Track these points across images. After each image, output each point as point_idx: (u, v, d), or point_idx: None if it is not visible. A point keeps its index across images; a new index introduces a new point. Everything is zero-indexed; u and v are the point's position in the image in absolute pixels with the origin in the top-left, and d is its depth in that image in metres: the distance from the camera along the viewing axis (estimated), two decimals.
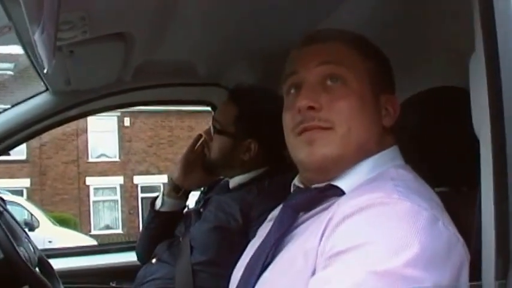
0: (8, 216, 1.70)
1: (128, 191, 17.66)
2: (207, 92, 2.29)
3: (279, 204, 1.18)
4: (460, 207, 0.90)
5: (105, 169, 17.42)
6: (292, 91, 1.04)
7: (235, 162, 1.71)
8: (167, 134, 17.59)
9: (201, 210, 1.75)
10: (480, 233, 0.79)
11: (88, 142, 17.28)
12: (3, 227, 1.49)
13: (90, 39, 1.50)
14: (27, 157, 16.32)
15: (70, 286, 2.11)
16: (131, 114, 16.71)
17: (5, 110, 2.07)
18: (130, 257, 2.21)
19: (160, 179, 16.66)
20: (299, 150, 1.01)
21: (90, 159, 17.41)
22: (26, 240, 1.70)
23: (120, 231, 16.98)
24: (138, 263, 1.93)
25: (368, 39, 1.08)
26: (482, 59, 0.78)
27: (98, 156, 17.58)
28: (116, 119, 17.08)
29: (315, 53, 1.03)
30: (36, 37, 0.90)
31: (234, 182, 1.73)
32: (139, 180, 17.62)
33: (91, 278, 2.26)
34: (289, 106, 1.04)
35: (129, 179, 17.65)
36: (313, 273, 0.86)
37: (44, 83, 1.96)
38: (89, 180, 17.37)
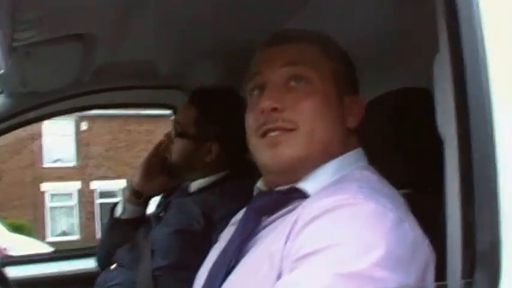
0: None
1: (85, 197, 17.34)
2: (169, 94, 2.27)
3: (241, 208, 1.17)
4: (425, 208, 0.90)
5: (61, 174, 17.06)
6: (256, 92, 1.03)
7: (197, 165, 1.69)
8: (125, 138, 17.35)
9: (162, 214, 1.72)
10: (445, 233, 0.80)
11: (43, 147, 16.89)
12: None
13: (47, 39, 1.46)
14: None
15: None
16: (89, 118, 16.40)
17: None
18: (89, 264, 2.18)
19: (118, 184, 16.41)
20: (262, 152, 1.00)
21: (46, 164, 17.03)
22: None
23: (77, 237, 16.63)
24: (97, 269, 1.89)
25: (332, 40, 1.08)
26: (446, 59, 0.78)
27: (54, 161, 17.20)
28: (73, 123, 16.76)
29: (279, 53, 1.02)
30: None
31: (195, 185, 1.71)
32: (97, 185, 17.32)
33: (48, 285, 2.20)
34: (252, 107, 1.03)
35: (86, 184, 17.34)
36: (279, 276, 0.85)
37: None
38: (45, 186, 16.98)
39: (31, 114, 2.09)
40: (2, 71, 1.00)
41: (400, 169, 0.98)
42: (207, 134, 1.67)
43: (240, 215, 1.13)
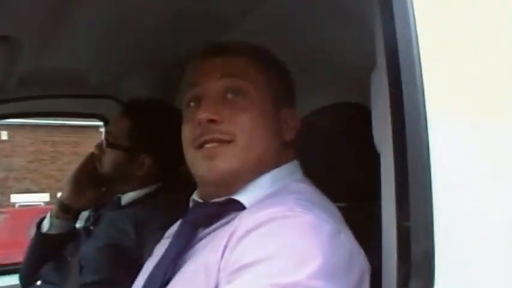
0: None
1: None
2: (100, 104, 2.22)
3: (174, 221, 1.16)
4: (360, 220, 0.92)
5: None
6: (192, 104, 1.03)
7: (128, 177, 1.66)
8: (50, 149, 16.76)
9: (91, 227, 1.68)
10: (381, 244, 0.82)
11: None
12: None
13: None
14: None
15: None
16: (9, 128, 15.75)
17: None
18: (9, 281, 2.10)
19: (41, 198, 15.80)
20: (199, 164, 0.99)
21: None
22: None
23: None
24: (18, 286, 1.80)
25: (271, 53, 1.08)
26: (383, 75, 0.80)
27: None
28: None
29: (216, 65, 1.03)
30: None
31: (126, 198, 1.68)
32: (18, 198, 16.61)
33: None
34: (189, 119, 1.02)
35: (5, 197, 16.59)
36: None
37: None
38: None
39: None
40: None
41: (336, 182, 0.99)
42: (140, 146, 1.65)
43: (174, 227, 1.11)
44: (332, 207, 0.94)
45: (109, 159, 1.66)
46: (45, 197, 15.49)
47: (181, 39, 1.56)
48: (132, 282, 1.11)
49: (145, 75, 1.92)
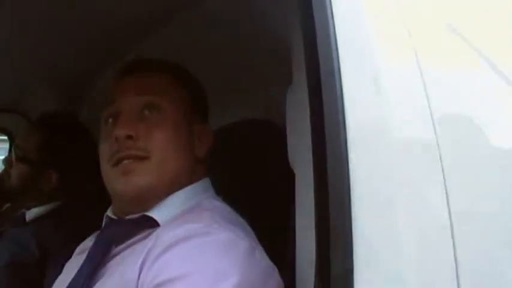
0: None
1: None
2: (4, 118, 2.15)
3: (80, 238, 1.14)
4: (272, 238, 0.91)
5: None
6: (110, 120, 1.02)
7: (34, 192, 1.62)
8: None
9: None
10: (294, 261, 0.81)
11: None
12: None
13: None
14: None
15: None
16: None
17: None
18: None
19: None
20: (114, 180, 0.98)
21: None
22: None
23: None
24: None
25: (184, 69, 1.09)
26: (300, 92, 0.80)
27: None
28: None
29: (132, 83, 1.03)
30: None
31: (31, 214, 1.62)
32: None
33: None
34: (106, 135, 1.02)
35: None
36: None
37: None
38: None
39: None
40: None
41: (247, 199, 0.98)
42: (47, 162, 1.62)
43: (86, 243, 1.10)
44: (245, 225, 0.95)
45: (16, 172, 1.63)
46: None
47: (85, 56, 1.53)
48: None
49: (50, 91, 1.87)
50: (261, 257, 0.86)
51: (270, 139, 1.08)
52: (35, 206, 1.62)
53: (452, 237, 0.77)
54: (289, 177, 0.89)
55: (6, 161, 1.67)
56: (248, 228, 0.94)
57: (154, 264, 0.83)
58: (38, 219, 1.60)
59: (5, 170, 1.66)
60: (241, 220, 0.95)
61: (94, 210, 1.47)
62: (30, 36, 1.42)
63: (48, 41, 1.47)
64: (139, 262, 0.86)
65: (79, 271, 0.97)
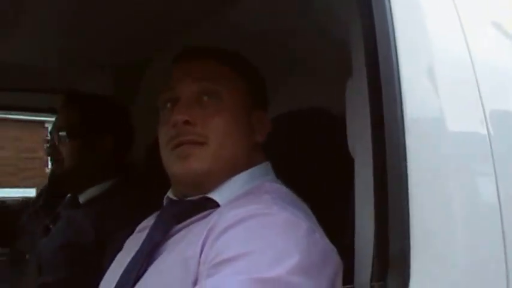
0: None
1: None
2: (57, 100, 2.16)
3: (138, 217, 1.18)
4: (329, 220, 0.95)
5: None
6: (169, 105, 1.05)
7: (89, 166, 1.63)
8: None
9: (50, 226, 1.64)
10: (353, 243, 0.85)
11: None
12: None
13: None
14: None
15: None
16: None
17: None
18: None
19: None
20: (173, 164, 1.01)
21: None
22: None
23: None
24: None
25: (243, 56, 1.11)
26: (359, 81, 0.84)
27: None
28: None
29: (191, 69, 1.05)
30: None
31: (85, 195, 1.65)
32: None
33: None
34: (164, 121, 1.04)
35: None
36: (195, 282, 0.85)
37: None
38: None
39: None
40: None
41: (306, 183, 1.02)
42: (96, 128, 1.64)
43: (146, 222, 1.13)
44: (305, 208, 0.97)
45: (68, 151, 1.63)
46: None
47: (138, 42, 1.57)
48: (91, 281, 1.11)
49: (105, 74, 1.91)
50: (320, 239, 0.88)
51: (325, 127, 1.12)
52: (89, 186, 1.64)
53: (502, 221, 0.81)
54: (347, 163, 0.93)
55: (51, 151, 1.68)
56: (308, 211, 0.96)
57: (216, 243, 0.86)
58: (92, 201, 1.63)
59: (54, 162, 1.67)
60: (301, 202, 0.98)
61: (145, 189, 1.54)
62: (86, 19, 1.45)
63: (105, 26, 1.49)
64: (201, 240, 0.88)
65: (140, 249, 1.01)
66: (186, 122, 0.99)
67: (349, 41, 0.90)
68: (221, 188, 1.00)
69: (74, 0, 1.32)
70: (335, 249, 0.88)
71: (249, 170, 1.03)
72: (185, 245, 0.92)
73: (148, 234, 1.03)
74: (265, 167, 1.06)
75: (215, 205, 0.98)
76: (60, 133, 1.64)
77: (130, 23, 1.46)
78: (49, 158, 1.69)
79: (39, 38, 1.61)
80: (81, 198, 1.65)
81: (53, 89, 2.11)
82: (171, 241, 0.98)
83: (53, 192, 1.75)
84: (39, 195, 1.87)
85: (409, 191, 0.74)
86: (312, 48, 1.29)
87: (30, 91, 2.12)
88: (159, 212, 1.10)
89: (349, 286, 0.83)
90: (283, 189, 1.01)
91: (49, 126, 2.18)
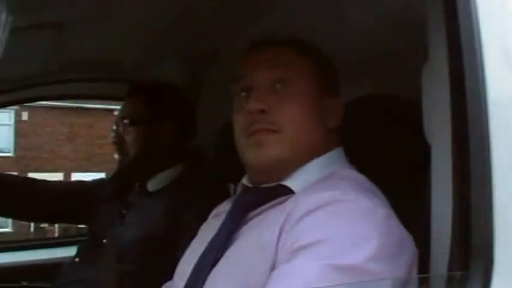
0: None
1: None
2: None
3: (208, 203, 1.20)
4: (405, 207, 0.94)
5: None
6: (243, 94, 1.06)
7: (156, 152, 1.64)
8: (66, 130, 16.82)
9: (124, 212, 1.66)
10: (428, 231, 0.84)
11: None
12: None
13: (14, 27, 1.41)
14: None
15: None
16: (29, 109, 15.82)
17: None
18: (41, 255, 2.15)
19: (55, 177, 15.86)
20: (248, 152, 1.02)
21: None
22: None
23: (9, 229, 16.01)
24: (49, 261, 1.90)
25: (314, 43, 1.11)
26: (436, 67, 0.82)
27: None
28: (13, 112, 16.10)
29: (264, 57, 1.06)
30: None
31: (154, 183, 1.66)
32: (34, 177, 16.68)
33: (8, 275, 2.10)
34: (239, 108, 1.05)
35: (23, 175, 16.67)
36: (272, 267, 0.87)
37: None
38: None
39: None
40: None
41: (380, 170, 1.01)
42: (160, 115, 1.65)
43: (221, 207, 1.15)
44: (381, 195, 0.96)
45: (133, 137, 1.65)
46: (59, 176, 15.55)
47: (210, 31, 1.58)
48: (167, 269, 1.14)
49: (174, 62, 1.94)
50: (397, 225, 0.87)
51: (399, 113, 1.10)
52: (157, 172, 1.65)
53: None
54: (422, 150, 0.91)
55: (116, 139, 1.68)
56: (384, 198, 0.95)
57: (294, 229, 0.87)
58: (163, 189, 1.64)
59: (120, 150, 1.68)
60: (376, 189, 0.97)
61: (215, 176, 1.56)
62: (164, 10, 1.48)
63: (180, 16, 1.51)
64: (278, 226, 0.89)
65: (216, 234, 1.03)
66: (261, 111, 1.00)
67: (425, 23, 0.88)
68: (296, 175, 1.00)
69: None
70: (411, 237, 0.88)
71: (323, 156, 1.03)
72: (261, 231, 0.93)
73: (224, 221, 1.05)
74: (338, 153, 1.06)
75: (290, 192, 0.98)
76: (125, 121, 1.66)
77: (200, 9, 1.48)
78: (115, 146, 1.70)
79: (117, 31, 1.66)
80: (150, 185, 1.66)
81: (122, 78, 2.16)
82: (247, 227, 1.00)
83: (122, 179, 1.79)
84: (110, 179, 1.93)
85: (493, 175, 0.72)
86: (388, 33, 1.26)
87: (103, 81, 2.18)
88: (233, 198, 1.12)
89: (424, 275, 0.82)
90: (358, 175, 1.00)
91: None
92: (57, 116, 16.54)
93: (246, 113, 1.01)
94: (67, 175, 15.61)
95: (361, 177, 1.00)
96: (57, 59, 1.84)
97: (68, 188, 2.02)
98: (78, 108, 15.95)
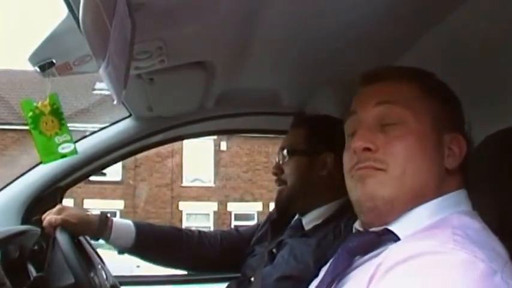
0: (85, 242, 1.81)
1: (221, 218, 17.92)
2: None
3: None
4: None
5: (199, 194, 17.78)
6: (351, 131, 1.08)
7: (313, 184, 1.70)
8: (263, 159, 17.73)
9: (274, 251, 1.73)
10: None
11: (183, 165, 17.75)
12: (78, 253, 1.59)
13: (169, 67, 1.58)
14: (122, 178, 17.05)
15: None
16: (228, 138, 17.01)
17: (91, 133, 2.20)
18: None
19: (254, 207, 16.77)
20: (353, 190, 1.04)
21: (185, 183, 17.87)
22: (100, 266, 1.79)
23: None
24: None
25: (432, 75, 1.09)
26: None
27: (193, 181, 17.98)
28: (212, 142, 17.47)
29: (372, 92, 1.06)
30: (102, 71, 0.98)
31: (308, 220, 1.72)
32: (233, 207, 17.80)
33: None
34: (347, 147, 1.07)
35: (223, 205, 17.89)
36: None
37: (127, 108, 2.08)
38: (182, 205, 17.79)
39: (158, 137, 2.26)
40: (116, 101, 1.12)
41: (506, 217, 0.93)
42: (318, 147, 1.71)
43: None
44: (496, 245, 0.91)
45: (291, 167, 1.73)
46: (258, 206, 16.41)
47: (366, 59, 1.58)
48: None
49: (334, 93, 1.98)
50: (503, 282, 0.82)
51: None
52: (315, 207, 1.70)
53: None
54: None
55: (275, 170, 1.79)
56: (498, 249, 0.90)
57: (382, 281, 0.87)
58: (316, 229, 1.67)
59: (278, 181, 1.77)
60: (491, 240, 0.92)
61: None
62: (315, 40, 1.54)
63: (334, 45, 1.56)
64: (369, 275, 0.90)
65: (322, 279, 1.05)
66: (366, 149, 1.01)
67: None
68: (404, 218, 0.99)
69: (295, 25, 1.42)
70: None
71: (437, 200, 1.00)
72: (357, 280, 0.94)
73: (329, 266, 1.07)
74: (457, 195, 1.02)
75: (396, 238, 0.97)
76: (284, 152, 1.75)
77: (356, 41, 1.50)
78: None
79: (268, 64, 1.76)
80: (305, 222, 1.71)
81: (286, 112, 2.26)
82: (351, 275, 1.00)
83: (280, 212, 1.86)
84: (267, 218, 2.01)
85: None
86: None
87: (262, 114, 2.31)
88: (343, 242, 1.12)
89: None
90: (473, 223, 0.95)
91: None
92: (254, 145, 17.57)
93: (352, 152, 1.03)
94: (266, 205, 16.40)
95: (477, 226, 0.94)
96: (212, 95, 2.01)
97: (224, 237, 2.11)
98: (275, 137, 16.74)
